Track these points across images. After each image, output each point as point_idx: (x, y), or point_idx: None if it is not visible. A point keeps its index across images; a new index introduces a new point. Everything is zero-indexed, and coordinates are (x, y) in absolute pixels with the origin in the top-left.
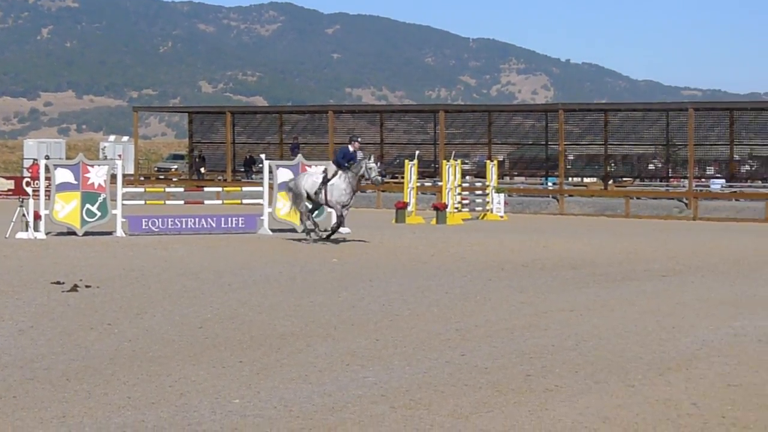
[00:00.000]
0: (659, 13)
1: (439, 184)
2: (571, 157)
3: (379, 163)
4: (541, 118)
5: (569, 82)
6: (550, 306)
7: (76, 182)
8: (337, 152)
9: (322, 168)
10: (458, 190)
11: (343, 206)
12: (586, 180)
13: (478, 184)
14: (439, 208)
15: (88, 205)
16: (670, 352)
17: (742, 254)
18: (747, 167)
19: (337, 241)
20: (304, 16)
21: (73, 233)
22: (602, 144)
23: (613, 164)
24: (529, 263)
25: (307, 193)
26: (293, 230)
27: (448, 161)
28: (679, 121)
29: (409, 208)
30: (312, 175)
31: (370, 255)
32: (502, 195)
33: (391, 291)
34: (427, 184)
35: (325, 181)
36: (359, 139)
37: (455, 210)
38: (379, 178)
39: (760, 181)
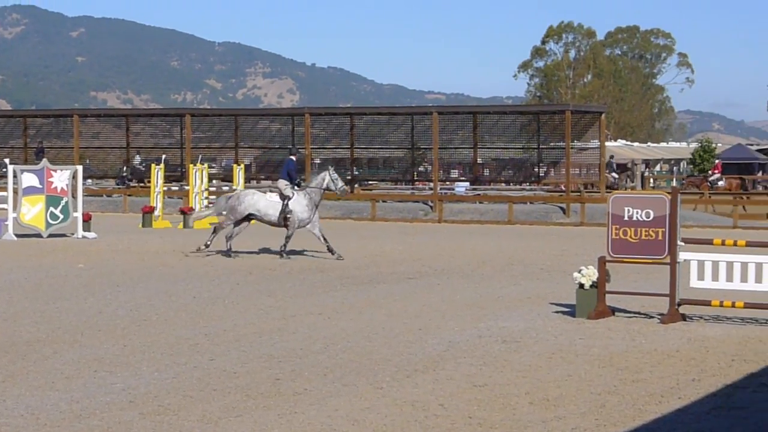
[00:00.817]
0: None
1: (186, 188)
2: (317, 161)
3: (126, 168)
4: (287, 121)
5: (315, 85)
6: (298, 309)
7: None
8: (284, 167)
9: (265, 190)
10: (205, 194)
11: (302, 223)
12: None
13: (226, 188)
14: (186, 212)
15: None
16: (418, 353)
17: (487, 256)
18: (488, 171)
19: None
20: (48, 19)
21: None
22: (348, 147)
23: (359, 168)
24: (277, 267)
25: (251, 215)
26: (39, 235)
27: (194, 165)
28: (424, 124)
29: (156, 213)
30: (263, 197)
31: (117, 260)
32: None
33: (138, 296)
34: (174, 188)
35: (284, 198)
36: (301, 151)
37: None
38: (345, 188)
39: (503, 184)
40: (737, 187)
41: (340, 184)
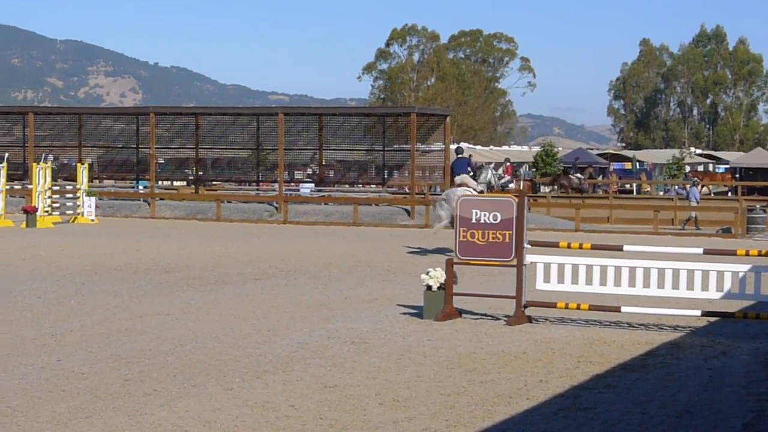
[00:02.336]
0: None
1: (29, 187)
2: (161, 161)
3: None
4: (132, 121)
5: (158, 85)
6: (145, 310)
7: None
8: (462, 165)
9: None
10: (48, 193)
11: None
12: (177, 184)
13: (69, 187)
14: (29, 212)
15: None
16: (267, 355)
17: (333, 258)
18: (333, 172)
19: None
20: None
21: None
22: (193, 147)
23: (203, 168)
24: (123, 267)
25: None
26: None
27: (38, 164)
28: (269, 125)
29: None
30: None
31: None
32: (93, 198)
33: None
34: (16, 187)
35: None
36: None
37: (46, 213)
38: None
39: (347, 185)
40: (529, 189)
41: (502, 180)
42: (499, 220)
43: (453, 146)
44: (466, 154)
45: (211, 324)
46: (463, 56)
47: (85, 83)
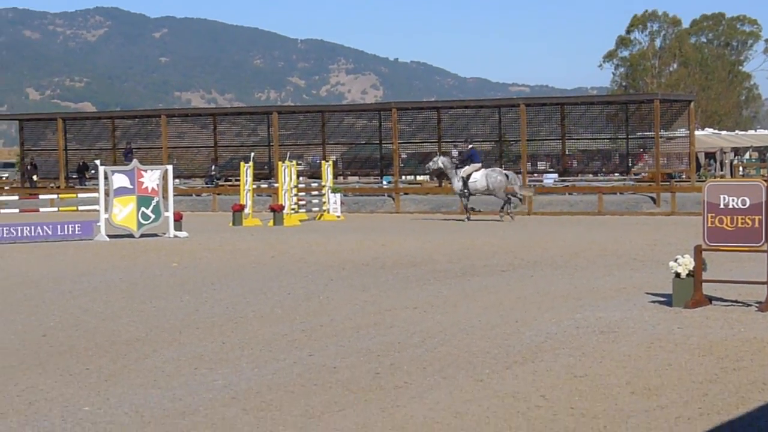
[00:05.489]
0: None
1: (275, 185)
2: (404, 156)
3: (214, 167)
4: (374, 117)
5: (398, 81)
6: (393, 304)
7: None
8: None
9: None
10: (294, 191)
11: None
12: (420, 178)
13: (314, 185)
14: (276, 210)
15: None
16: (515, 345)
17: (579, 247)
18: (576, 162)
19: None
20: (131, 21)
21: None
22: (436, 141)
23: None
24: (370, 262)
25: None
26: (131, 236)
27: (283, 163)
28: (511, 116)
29: (246, 211)
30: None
31: (209, 258)
32: (338, 195)
33: (233, 294)
34: (263, 186)
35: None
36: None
37: (292, 211)
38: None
39: (591, 175)
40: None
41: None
42: (747, 205)
43: (700, 132)
44: (711, 140)
45: (458, 316)
46: (705, 40)
47: (326, 81)
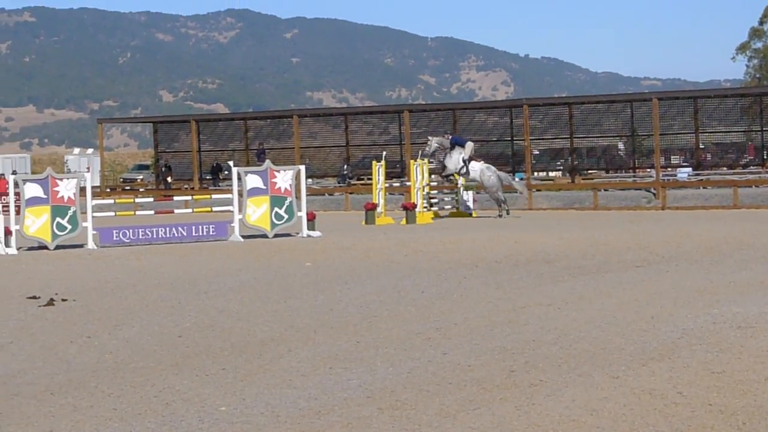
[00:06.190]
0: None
1: (407, 184)
2: (536, 152)
3: (346, 166)
4: (505, 114)
5: (529, 76)
6: (527, 301)
7: (45, 196)
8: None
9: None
10: (426, 189)
11: None
12: (552, 174)
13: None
14: (409, 208)
15: (58, 219)
16: (651, 341)
17: (714, 241)
18: (710, 155)
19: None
20: (262, 22)
21: (45, 247)
22: (567, 137)
23: (577, 157)
24: (503, 259)
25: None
26: (264, 236)
27: (414, 161)
28: (643, 111)
29: (379, 209)
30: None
31: (343, 258)
32: (470, 192)
33: (367, 292)
34: (395, 184)
35: None
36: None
37: (424, 209)
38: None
39: (725, 168)
40: None
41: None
42: None
43: None
44: None
45: (593, 312)
46: None
47: (456, 79)
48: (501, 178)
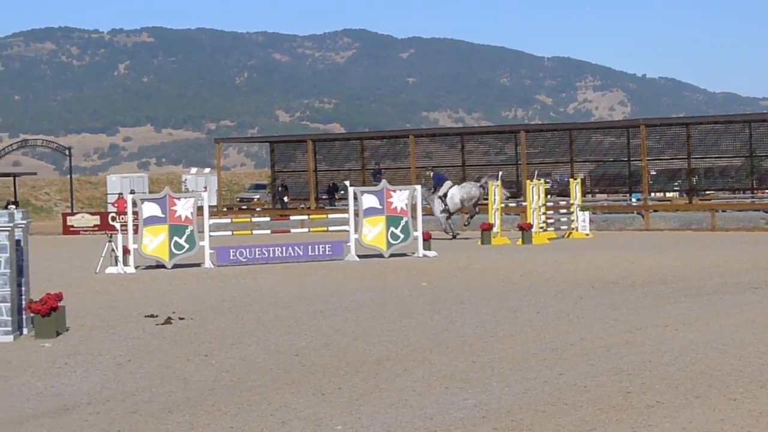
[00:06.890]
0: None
1: (523, 204)
2: (653, 173)
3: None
4: (622, 134)
5: (646, 97)
6: (644, 322)
7: (163, 215)
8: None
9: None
10: (542, 209)
11: None
12: (669, 195)
13: (562, 203)
14: (525, 228)
15: (176, 238)
16: None
17: None
18: None
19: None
20: (378, 42)
21: (162, 266)
22: (685, 158)
23: (696, 178)
24: (619, 280)
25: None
26: (380, 255)
27: (531, 181)
28: (762, 131)
29: (495, 230)
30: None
31: (459, 278)
32: (587, 213)
33: (482, 312)
34: (511, 204)
35: None
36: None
37: (540, 230)
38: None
39: None
40: None
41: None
42: None
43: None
44: None
45: (710, 334)
46: None
47: (573, 99)
48: (485, 190)
